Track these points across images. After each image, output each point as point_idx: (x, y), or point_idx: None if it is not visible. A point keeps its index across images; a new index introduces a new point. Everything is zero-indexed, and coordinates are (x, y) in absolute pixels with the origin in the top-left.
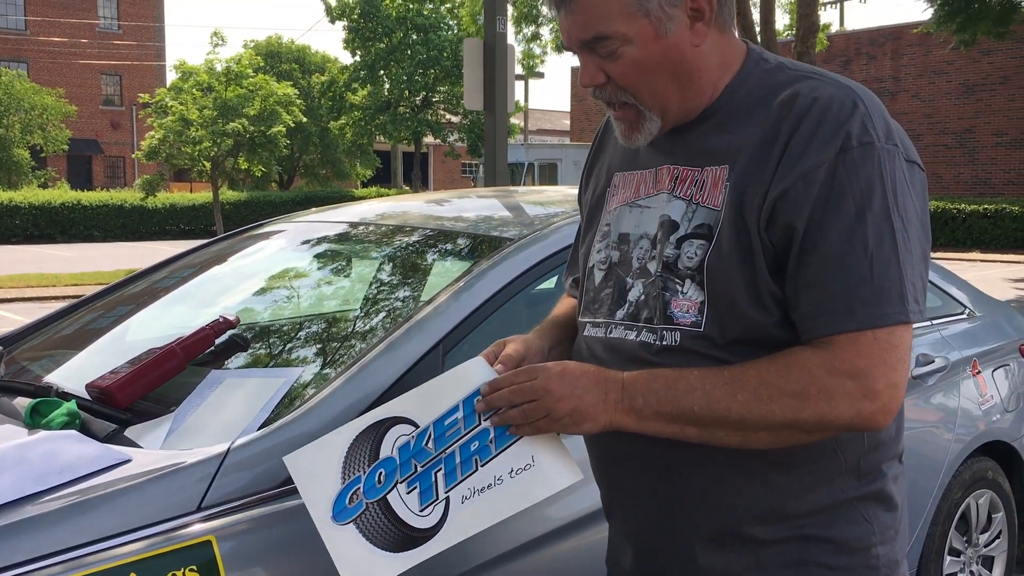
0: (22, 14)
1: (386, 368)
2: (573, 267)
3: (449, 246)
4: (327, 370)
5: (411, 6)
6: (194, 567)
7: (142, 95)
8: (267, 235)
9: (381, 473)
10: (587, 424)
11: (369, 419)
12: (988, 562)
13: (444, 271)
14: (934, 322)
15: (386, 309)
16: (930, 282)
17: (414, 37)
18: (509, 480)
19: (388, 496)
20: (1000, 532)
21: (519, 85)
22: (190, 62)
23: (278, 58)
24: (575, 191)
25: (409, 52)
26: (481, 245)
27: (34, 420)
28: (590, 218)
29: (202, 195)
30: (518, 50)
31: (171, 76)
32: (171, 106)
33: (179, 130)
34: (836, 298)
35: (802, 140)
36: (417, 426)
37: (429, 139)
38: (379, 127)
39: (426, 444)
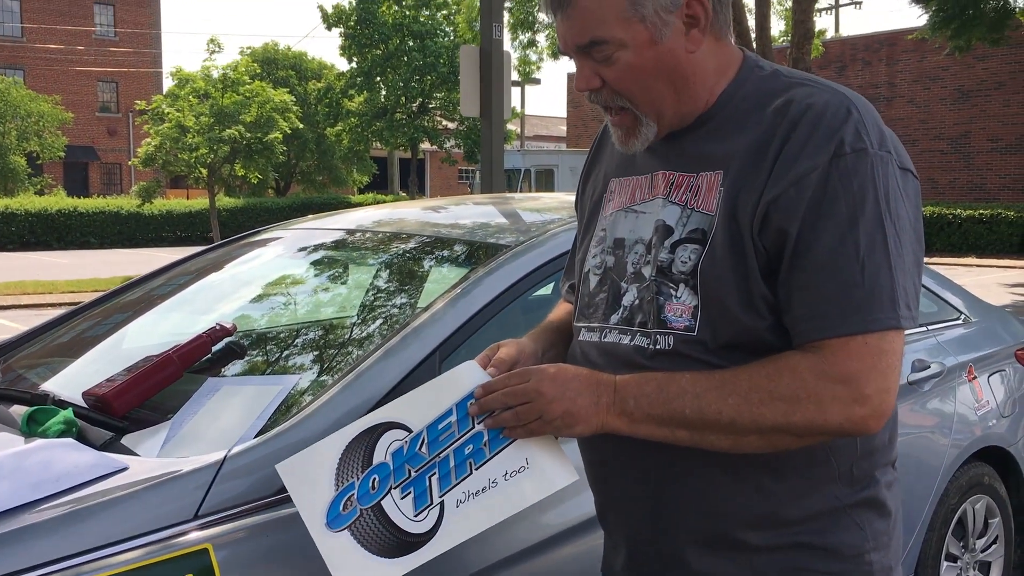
0: (18, 21)
1: (383, 375)
2: (570, 273)
3: (446, 253)
4: (324, 377)
5: (407, 13)
6: (191, 575)
7: (139, 102)
8: (264, 242)
9: (375, 479)
10: (579, 427)
11: (362, 425)
12: (985, 567)
13: (441, 278)
14: (930, 328)
15: (383, 316)
16: (926, 288)
17: (410, 44)
18: (504, 483)
19: (382, 502)
20: (997, 537)
21: (515, 91)
22: (187, 69)
23: (274, 65)
24: (571, 197)
25: (405, 59)
26: (478, 252)
27: (31, 428)
28: (587, 224)
29: (198, 202)
30: (514, 56)
31: (168, 83)
32: (168, 113)
33: (176, 137)
34: (827, 302)
35: (796, 146)
36: (410, 431)
37: (426, 145)
38: (376, 133)
39: (420, 449)
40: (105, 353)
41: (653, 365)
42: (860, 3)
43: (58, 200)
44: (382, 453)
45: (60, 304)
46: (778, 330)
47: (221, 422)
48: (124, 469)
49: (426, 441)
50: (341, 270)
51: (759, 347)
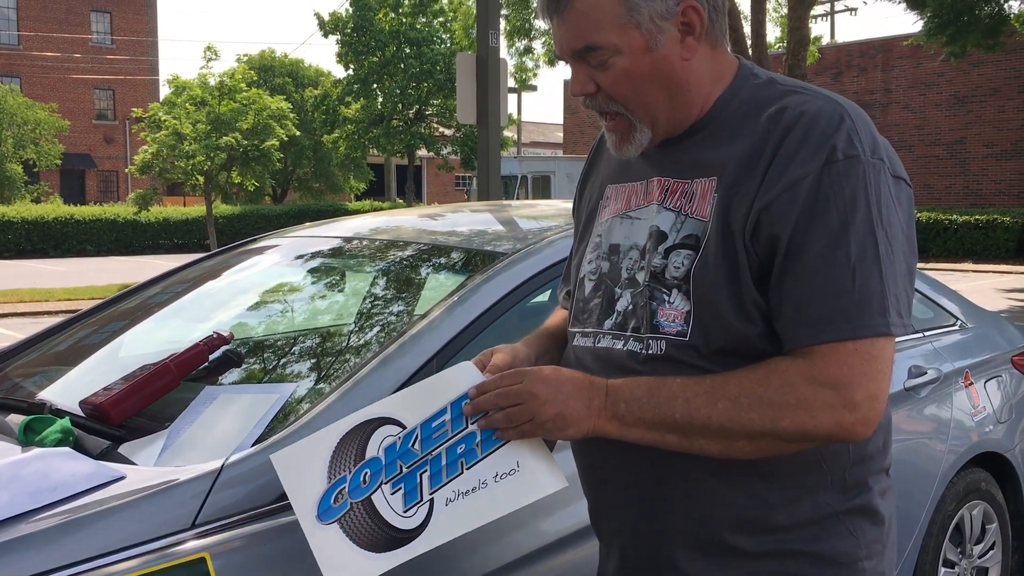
0: (15, 29)
1: (380, 383)
2: (567, 279)
3: (443, 260)
4: (321, 385)
5: (404, 20)
6: None
7: (135, 109)
8: (261, 250)
9: (366, 473)
10: (571, 430)
11: (356, 419)
12: (983, 573)
13: (438, 285)
14: (926, 333)
15: (380, 324)
16: (922, 294)
17: (407, 51)
18: (494, 484)
19: (373, 496)
20: (994, 543)
21: (512, 98)
22: (183, 76)
23: (271, 72)
24: (568, 205)
25: (402, 66)
26: (475, 259)
27: (28, 437)
28: (583, 230)
29: (195, 209)
30: (511, 63)
31: (164, 90)
32: (164, 120)
33: (172, 144)
34: (818, 308)
35: (788, 152)
36: (404, 427)
37: (423, 152)
38: (372, 140)
39: (412, 445)
40: (102, 362)
41: (646, 370)
42: (855, 10)
43: (55, 208)
44: (375, 448)
45: (56, 312)
46: (770, 336)
47: (218, 431)
48: (121, 478)
49: (419, 438)
50: (338, 278)
51: (751, 353)
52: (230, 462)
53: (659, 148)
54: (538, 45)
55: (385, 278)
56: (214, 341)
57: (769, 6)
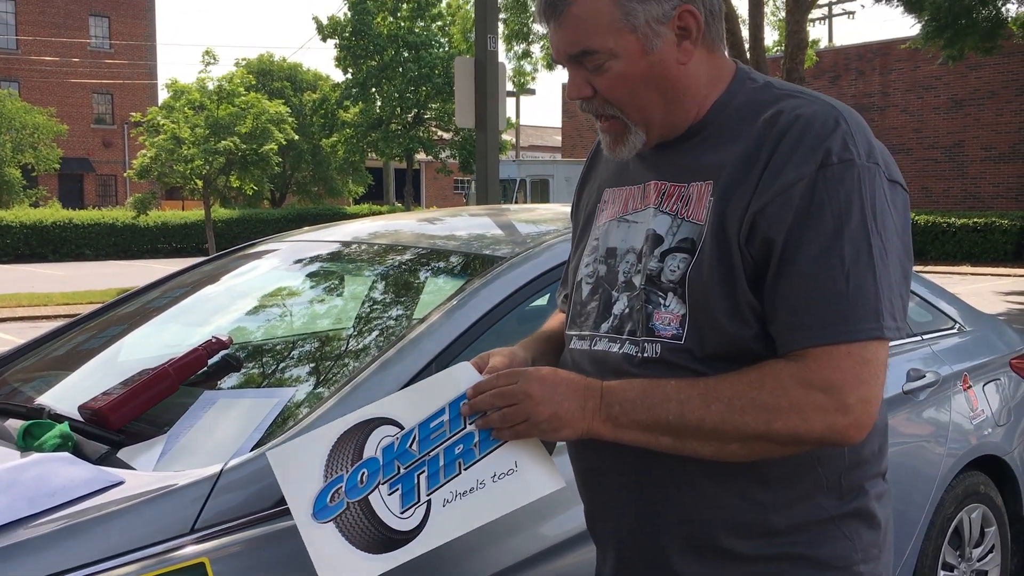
0: (13, 33)
1: (379, 387)
2: (566, 283)
3: (442, 264)
4: (320, 390)
5: (402, 24)
6: None
7: (134, 114)
8: (260, 254)
9: (364, 473)
10: (565, 431)
11: (354, 419)
12: None
13: (437, 290)
14: (925, 337)
15: (379, 328)
16: (920, 297)
17: (405, 55)
18: (491, 485)
19: (370, 496)
20: (993, 546)
21: (510, 102)
22: (182, 81)
23: (270, 76)
24: (566, 209)
25: (400, 70)
26: (473, 263)
27: (27, 442)
28: (581, 233)
29: (194, 213)
30: (509, 67)
31: (163, 95)
32: (163, 124)
33: (171, 148)
34: (811, 312)
35: (783, 156)
36: (402, 428)
37: (421, 156)
38: (371, 144)
39: (410, 446)
40: (101, 366)
41: (641, 373)
42: (853, 13)
43: (53, 212)
44: (373, 448)
45: (55, 316)
46: (764, 339)
47: (217, 435)
48: (120, 483)
49: (417, 439)
50: (337, 282)
51: (745, 356)
52: (229, 467)
53: (656, 151)
54: (536, 49)
55: (384, 282)
56: (213, 346)
57: (767, 9)
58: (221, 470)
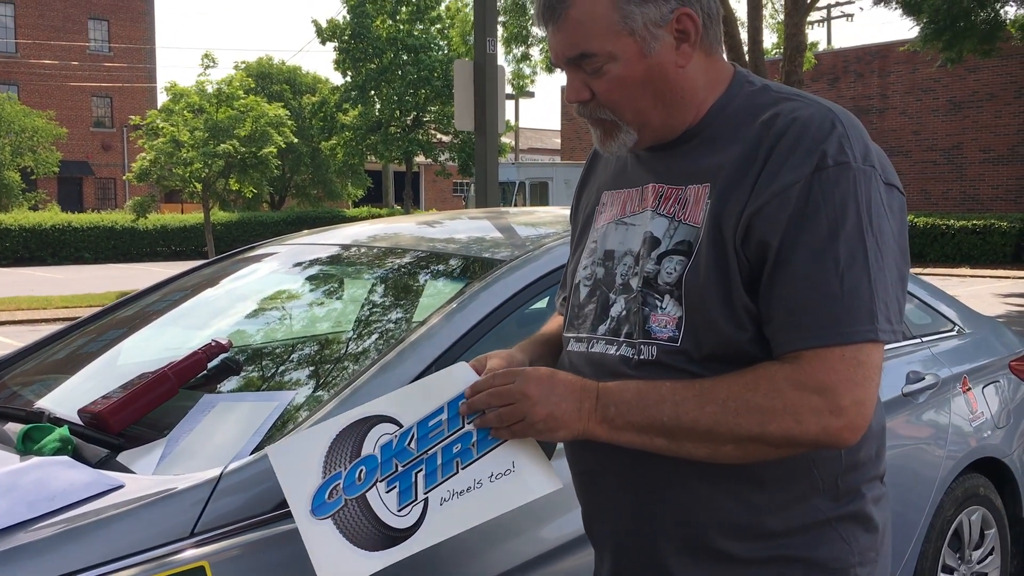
0: (12, 37)
1: (379, 391)
2: (565, 285)
3: (441, 268)
4: (320, 393)
5: (401, 27)
6: None
7: (133, 117)
8: (259, 258)
9: (362, 470)
10: (561, 432)
11: (353, 416)
12: None
13: (436, 293)
14: (924, 339)
15: (379, 331)
16: (919, 299)
17: (404, 58)
18: (488, 484)
19: (367, 494)
20: (993, 549)
21: (509, 104)
22: (181, 84)
23: (269, 79)
24: (566, 211)
25: (400, 72)
26: (473, 266)
27: (26, 446)
28: (580, 236)
29: (193, 216)
30: (508, 70)
31: (162, 98)
32: (162, 128)
33: (170, 151)
34: (806, 314)
35: (779, 158)
36: (401, 426)
37: (420, 159)
38: (370, 147)
39: (408, 444)
40: (101, 370)
41: (637, 375)
42: (852, 16)
43: (52, 215)
44: (371, 445)
45: (54, 320)
46: (760, 341)
47: (217, 439)
48: (120, 487)
49: (415, 437)
50: (336, 285)
51: (741, 358)
52: (229, 470)
53: (654, 154)
54: (535, 52)
55: (383, 285)
56: (212, 349)
57: (766, 12)
58: (221, 474)
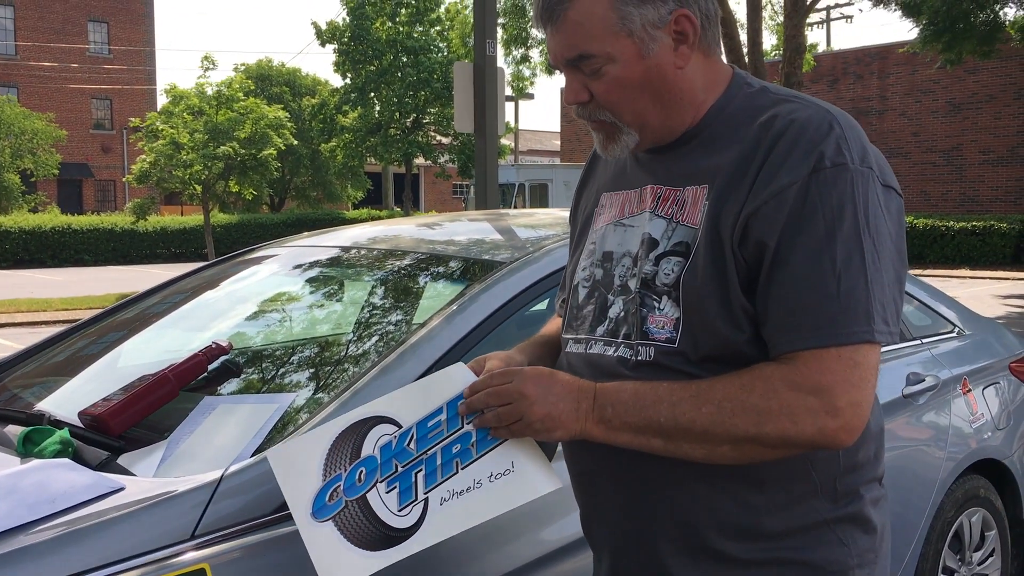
0: (12, 39)
1: (379, 392)
2: (564, 288)
3: (441, 270)
4: (320, 395)
5: (401, 29)
6: None
7: (133, 119)
8: (259, 260)
9: (362, 472)
10: (559, 432)
11: (352, 417)
12: None
13: (436, 295)
14: (924, 341)
15: (379, 334)
16: (919, 301)
17: (404, 59)
18: (488, 484)
19: (368, 495)
20: (993, 550)
21: (509, 106)
22: (181, 86)
23: (269, 81)
24: (566, 213)
25: (399, 74)
26: (473, 268)
27: (27, 449)
28: (579, 237)
29: (193, 218)
30: (508, 72)
31: (162, 100)
32: (162, 130)
33: (170, 153)
34: (802, 315)
35: (777, 159)
36: (400, 426)
37: (420, 160)
38: (370, 149)
39: (408, 445)
40: (101, 372)
41: (635, 376)
42: (851, 17)
43: (52, 217)
44: (370, 446)
45: (54, 322)
46: (758, 343)
47: (217, 441)
48: (120, 489)
49: (415, 437)
50: (337, 287)
51: (739, 359)
52: (229, 472)
53: (653, 156)
54: (535, 53)
55: (383, 287)
56: (213, 351)
57: (765, 14)
58: (221, 476)
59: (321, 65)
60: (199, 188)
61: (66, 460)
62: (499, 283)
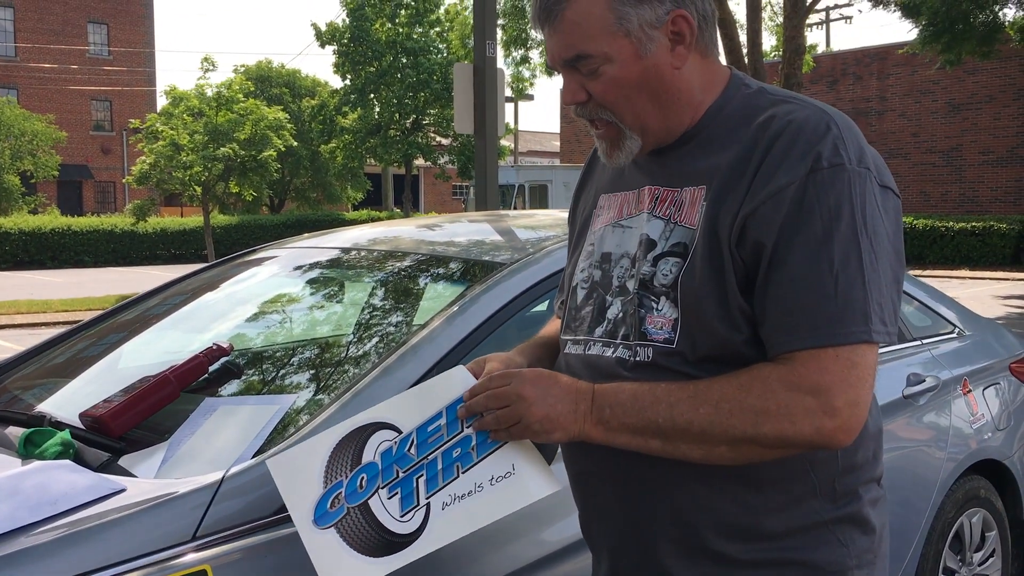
0: (12, 41)
1: (380, 394)
2: (563, 289)
3: (442, 271)
4: (321, 396)
5: (401, 30)
6: None
7: (132, 120)
8: (260, 261)
9: (363, 478)
10: (558, 433)
11: (352, 424)
12: None
13: (437, 296)
14: (924, 341)
15: (379, 335)
16: (920, 301)
17: (404, 61)
18: (489, 488)
19: (369, 501)
20: (994, 551)
21: (509, 107)
22: (180, 87)
23: (268, 82)
24: (566, 214)
25: (399, 75)
26: (474, 270)
27: (28, 450)
28: (577, 239)
29: (193, 219)
30: (507, 73)
31: (161, 101)
32: (162, 131)
33: (170, 155)
34: (800, 315)
35: (774, 160)
36: (400, 432)
37: (419, 161)
38: (369, 150)
39: (408, 450)
40: (102, 373)
41: (633, 377)
42: (851, 18)
43: (52, 219)
44: (371, 453)
45: (54, 323)
46: (756, 343)
47: (218, 442)
48: (122, 490)
49: (415, 443)
50: (337, 289)
51: (737, 360)
52: (231, 474)
53: (651, 157)
54: (535, 55)
55: (384, 289)
56: (214, 352)
57: (765, 15)
58: (223, 477)
59: (321, 66)
60: (199, 189)
61: (67, 462)
62: (499, 284)
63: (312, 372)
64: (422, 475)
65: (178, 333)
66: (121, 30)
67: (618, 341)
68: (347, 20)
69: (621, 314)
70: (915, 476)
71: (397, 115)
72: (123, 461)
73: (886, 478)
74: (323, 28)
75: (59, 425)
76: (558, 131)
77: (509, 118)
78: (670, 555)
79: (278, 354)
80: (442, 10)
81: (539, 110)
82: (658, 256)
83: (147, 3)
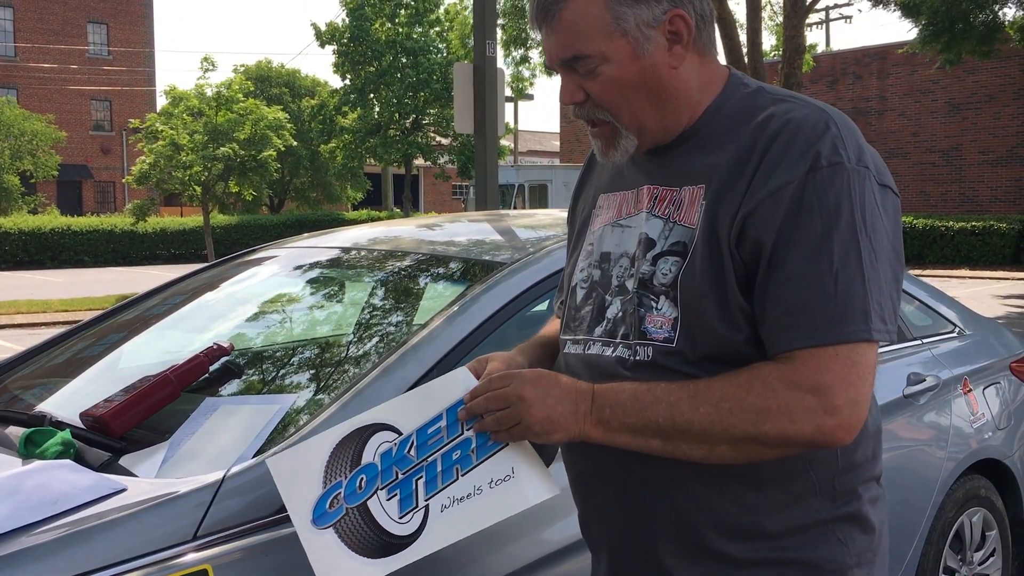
0: (11, 40)
1: (381, 393)
2: (563, 289)
3: (442, 271)
4: (321, 396)
5: (400, 30)
6: None
7: (132, 120)
8: (260, 261)
9: (362, 479)
10: (558, 434)
11: (352, 425)
12: None
13: (437, 296)
14: (924, 341)
15: (380, 335)
16: (920, 301)
17: (403, 60)
18: (488, 491)
19: (368, 502)
20: (994, 550)
21: (508, 107)
22: (180, 87)
23: (268, 82)
24: (565, 214)
25: (399, 75)
26: (474, 269)
27: (28, 450)
28: (576, 239)
29: (193, 219)
30: (507, 73)
31: (161, 101)
32: (161, 131)
33: (169, 155)
34: (800, 314)
35: (774, 159)
36: (400, 433)
37: (419, 161)
38: (369, 150)
39: (408, 452)
40: (102, 373)
41: (633, 376)
42: (851, 18)
43: (52, 219)
44: (371, 454)
45: (54, 323)
46: (756, 342)
47: (219, 442)
48: (122, 490)
49: (415, 444)
50: (337, 288)
51: (737, 359)
52: (231, 473)
53: (650, 156)
54: (535, 54)
55: (384, 288)
56: (214, 352)
57: (764, 14)
58: (223, 477)
59: (320, 66)
60: (199, 189)
61: (68, 461)
62: (500, 284)
63: (312, 372)
64: (421, 477)
65: (178, 333)
66: (121, 30)
67: (618, 340)
68: (347, 20)
69: (621, 313)
70: (915, 475)
71: (397, 115)
72: (124, 461)
73: (886, 477)
74: (323, 28)
75: (60, 425)
76: (558, 131)
77: (509, 118)
78: (670, 555)
79: (278, 354)
80: (442, 10)
81: (539, 110)
82: (657, 255)
83: (147, 3)
